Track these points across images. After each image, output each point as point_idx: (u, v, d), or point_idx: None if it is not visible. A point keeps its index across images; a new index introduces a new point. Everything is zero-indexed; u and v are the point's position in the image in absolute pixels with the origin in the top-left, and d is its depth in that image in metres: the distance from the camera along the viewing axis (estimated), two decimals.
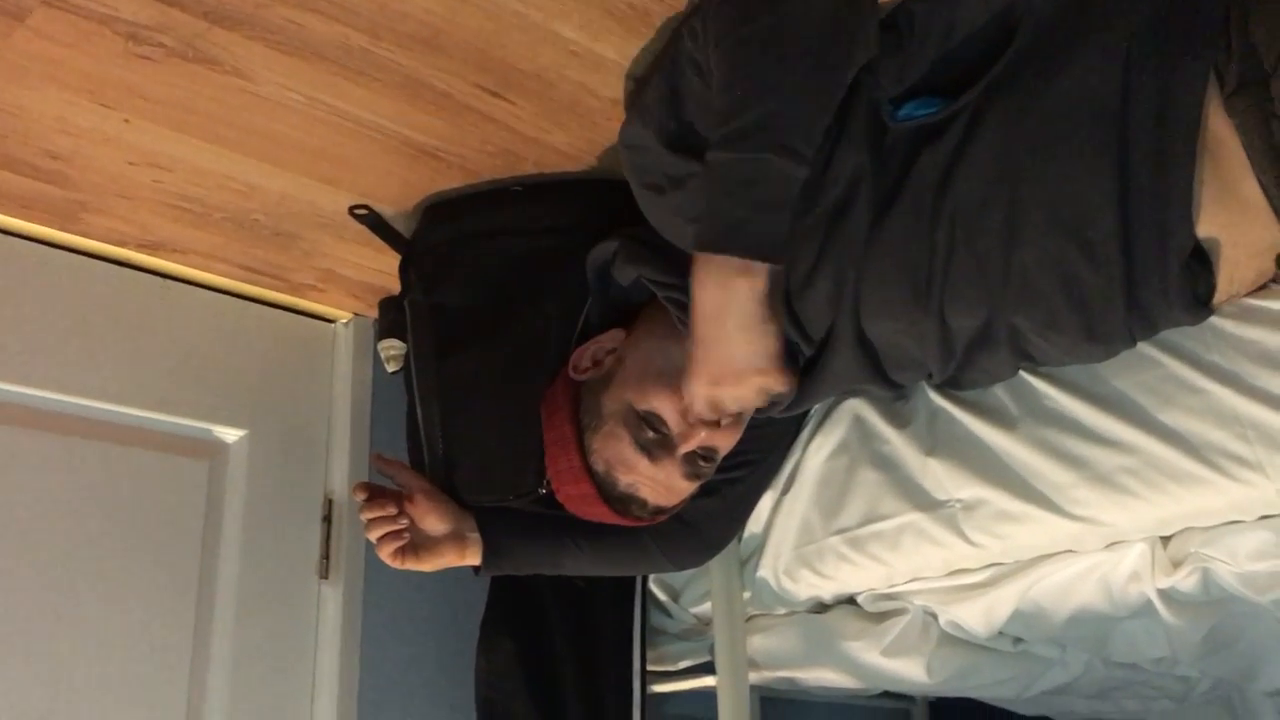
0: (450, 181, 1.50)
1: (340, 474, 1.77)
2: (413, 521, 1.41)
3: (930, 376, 1.34)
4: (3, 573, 1.43)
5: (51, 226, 1.54)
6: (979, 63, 1.13)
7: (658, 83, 1.20)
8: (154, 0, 1.15)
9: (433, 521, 1.41)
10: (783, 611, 1.64)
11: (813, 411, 1.54)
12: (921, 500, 1.41)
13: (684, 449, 1.30)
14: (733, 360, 1.07)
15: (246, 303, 1.76)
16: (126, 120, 1.33)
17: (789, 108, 1.04)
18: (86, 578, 1.50)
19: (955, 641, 1.54)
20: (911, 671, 1.54)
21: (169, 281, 1.68)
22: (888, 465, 1.45)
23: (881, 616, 1.56)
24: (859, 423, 1.49)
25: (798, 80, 1.05)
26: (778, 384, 1.09)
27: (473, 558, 1.44)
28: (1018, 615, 1.45)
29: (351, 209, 1.54)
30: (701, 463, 1.33)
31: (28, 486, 1.47)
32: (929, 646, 1.54)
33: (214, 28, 1.20)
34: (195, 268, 1.68)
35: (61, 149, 1.38)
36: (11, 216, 1.51)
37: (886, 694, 1.89)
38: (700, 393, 1.11)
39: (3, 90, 1.27)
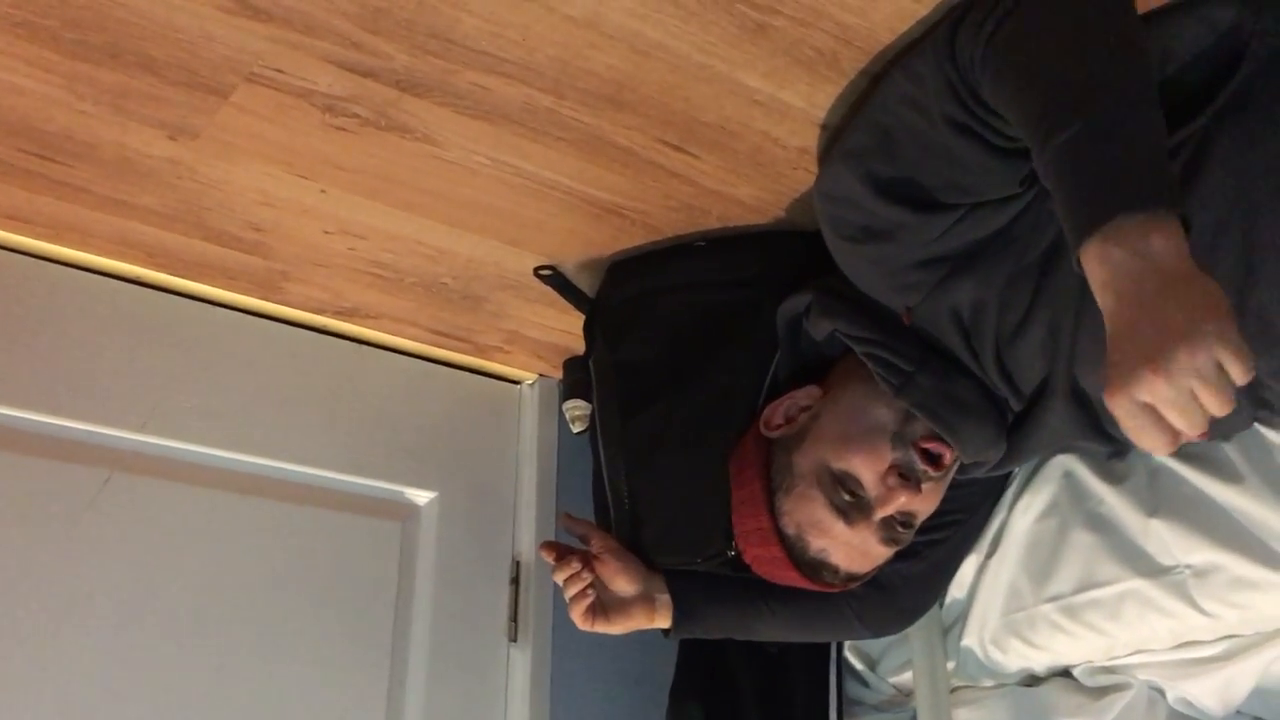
0: (633, 239, 1.49)
1: (528, 536, 1.76)
2: (602, 582, 1.38)
3: None
4: (206, 632, 1.47)
5: (254, 296, 1.60)
6: (1201, 90, 1.04)
7: (864, 128, 1.15)
8: (349, 72, 1.19)
9: (622, 582, 1.38)
10: (990, 683, 1.54)
11: (1017, 470, 1.45)
12: (1145, 566, 1.31)
13: (881, 513, 1.24)
14: (1176, 321, 0.78)
15: (435, 365, 1.79)
16: (323, 190, 1.37)
17: (1116, 63, 0.88)
18: (286, 638, 1.53)
19: None
20: None
21: (362, 346, 1.72)
22: (1104, 527, 1.36)
23: (1101, 691, 1.44)
24: (1070, 481, 1.40)
25: (1120, 38, 0.90)
26: (1235, 337, 0.78)
27: (662, 620, 1.41)
28: (1259, 693, 1.33)
29: (536, 270, 1.55)
30: (899, 528, 1.26)
31: (227, 548, 1.52)
32: None
33: (405, 96, 1.22)
34: (387, 332, 1.72)
35: (263, 220, 1.43)
36: (218, 287, 1.58)
37: None
38: (1142, 383, 0.79)
39: (210, 165, 1.32)
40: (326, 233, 1.46)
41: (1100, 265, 0.81)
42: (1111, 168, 0.82)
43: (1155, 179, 0.82)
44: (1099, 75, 0.87)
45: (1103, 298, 0.82)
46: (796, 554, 1.27)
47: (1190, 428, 0.78)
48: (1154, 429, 0.79)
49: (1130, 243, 0.79)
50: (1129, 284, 0.79)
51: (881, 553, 1.28)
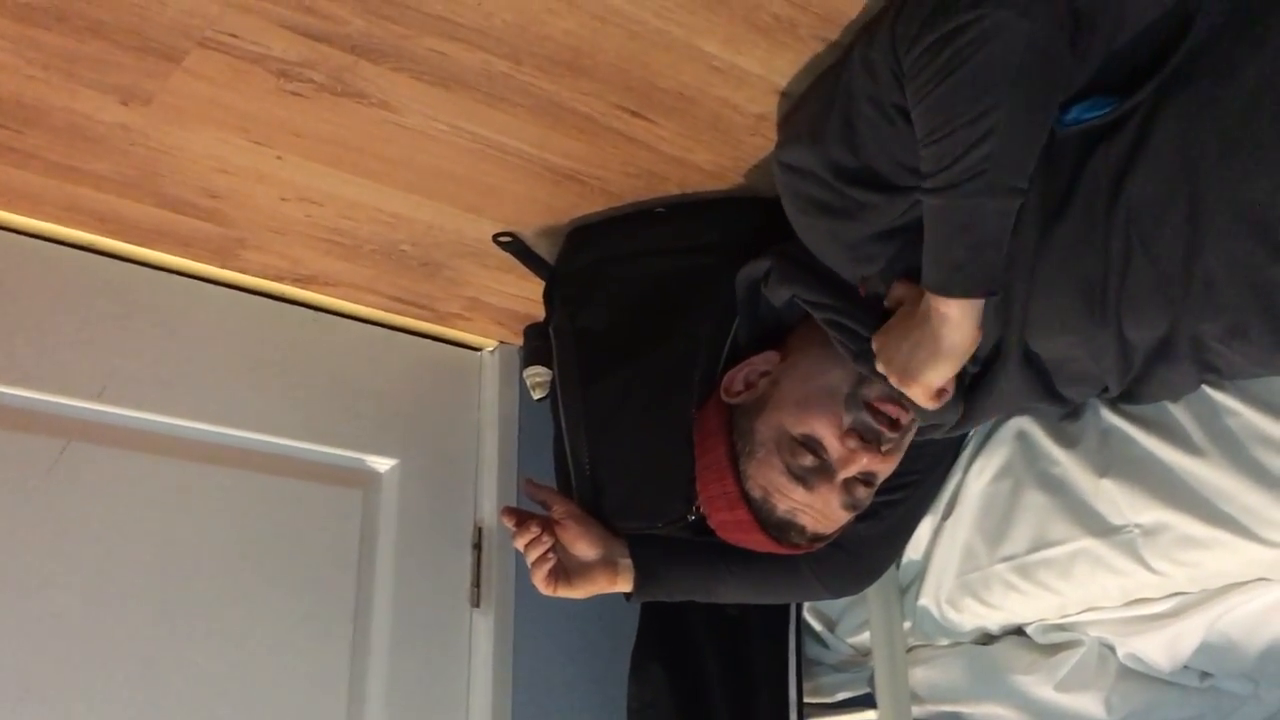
0: (593, 205, 1.49)
1: (489, 502, 1.77)
2: (563, 547, 1.39)
3: (1105, 390, 1.27)
4: (166, 602, 1.46)
5: (211, 264, 1.59)
6: (1151, 58, 1.06)
7: (831, 114, 1.16)
8: (303, 36, 1.17)
9: (583, 547, 1.39)
10: (946, 642, 1.57)
11: (973, 431, 1.47)
12: (1096, 525, 1.33)
13: (843, 475, 1.26)
14: (923, 369, 1.15)
15: (395, 333, 1.78)
16: (279, 157, 1.36)
17: (1002, 148, 1.01)
18: (247, 607, 1.53)
19: (1136, 676, 1.45)
20: (1089, 708, 1.45)
21: (321, 314, 1.71)
22: (1057, 488, 1.38)
23: (1054, 649, 1.48)
24: (1024, 443, 1.42)
25: (1009, 120, 1.01)
26: (925, 401, 1.18)
27: (624, 584, 1.42)
28: (1205, 648, 1.36)
29: (496, 237, 1.54)
30: (861, 488, 1.28)
31: (187, 518, 1.51)
32: (1107, 681, 1.45)
33: (360, 61, 1.21)
34: (346, 299, 1.71)
35: (219, 187, 1.41)
36: (173, 255, 1.56)
37: None
38: (891, 377, 1.19)
39: (163, 132, 1.31)
40: (283, 199, 1.44)
41: (930, 302, 1.12)
42: (958, 254, 1.07)
43: (982, 273, 1.07)
44: (981, 151, 1.02)
45: (924, 312, 1.13)
46: (764, 516, 1.28)
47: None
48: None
49: (946, 309, 1.10)
50: (929, 329, 1.13)
51: (844, 514, 1.30)
